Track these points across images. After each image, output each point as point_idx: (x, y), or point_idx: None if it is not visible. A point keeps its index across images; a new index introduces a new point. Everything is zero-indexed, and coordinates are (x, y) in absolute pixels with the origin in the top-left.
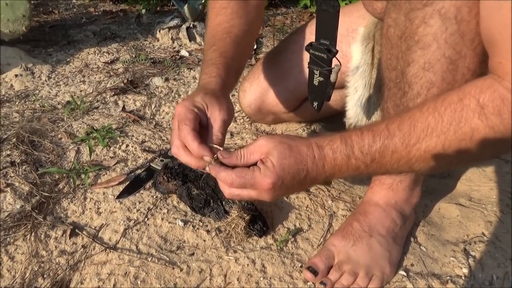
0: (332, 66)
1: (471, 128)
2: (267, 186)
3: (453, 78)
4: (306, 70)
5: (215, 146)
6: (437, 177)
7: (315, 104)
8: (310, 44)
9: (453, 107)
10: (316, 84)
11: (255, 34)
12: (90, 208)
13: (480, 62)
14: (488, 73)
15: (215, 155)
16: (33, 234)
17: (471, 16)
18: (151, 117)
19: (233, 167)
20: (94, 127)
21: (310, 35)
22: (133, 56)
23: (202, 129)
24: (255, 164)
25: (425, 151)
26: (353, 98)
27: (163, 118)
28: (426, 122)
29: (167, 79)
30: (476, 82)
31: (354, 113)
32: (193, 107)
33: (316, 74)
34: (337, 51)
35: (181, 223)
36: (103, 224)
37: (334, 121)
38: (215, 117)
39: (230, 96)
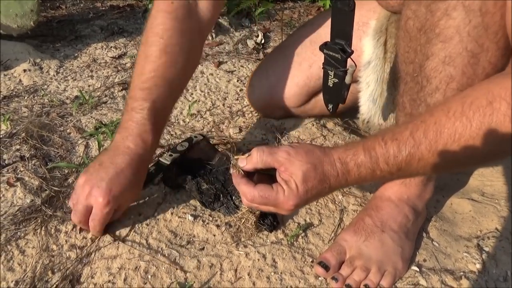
0: (347, 67)
1: (501, 131)
2: (290, 208)
3: (473, 72)
4: (315, 65)
5: (235, 157)
6: (449, 172)
7: (330, 106)
8: (325, 44)
9: (482, 111)
10: (331, 85)
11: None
12: None
13: (502, 55)
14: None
15: (236, 158)
16: (43, 228)
17: (496, 8)
18: None
19: (253, 174)
20: (103, 122)
21: (318, 29)
22: None
23: None
24: (273, 169)
25: (453, 156)
26: (366, 93)
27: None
28: (453, 128)
29: None
30: (504, 82)
31: (367, 108)
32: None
33: (331, 75)
34: (352, 52)
35: (190, 218)
36: None
37: (344, 116)
38: (100, 207)
39: (238, 91)
